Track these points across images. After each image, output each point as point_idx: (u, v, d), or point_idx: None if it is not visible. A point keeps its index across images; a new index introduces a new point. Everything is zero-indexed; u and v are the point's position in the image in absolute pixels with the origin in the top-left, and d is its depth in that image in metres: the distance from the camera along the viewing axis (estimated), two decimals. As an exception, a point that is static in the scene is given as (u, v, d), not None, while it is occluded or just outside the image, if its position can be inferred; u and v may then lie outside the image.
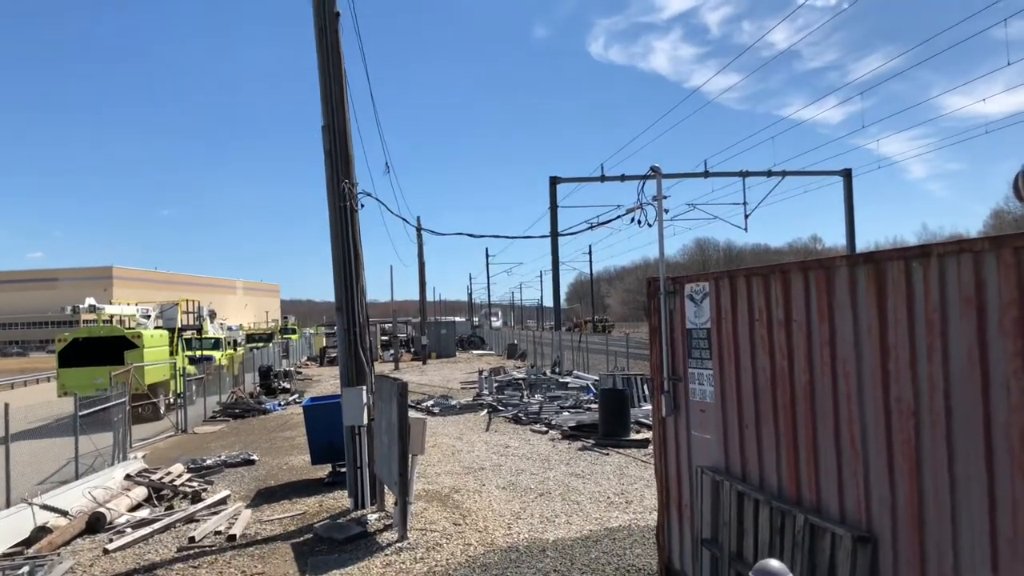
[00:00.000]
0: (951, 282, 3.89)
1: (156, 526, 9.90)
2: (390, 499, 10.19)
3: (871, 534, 4.44)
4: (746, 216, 31.18)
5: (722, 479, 5.88)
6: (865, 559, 4.42)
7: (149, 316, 28.99)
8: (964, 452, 3.81)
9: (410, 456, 9.11)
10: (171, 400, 23.69)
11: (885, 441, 4.34)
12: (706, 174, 31.74)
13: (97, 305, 25.85)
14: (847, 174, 33.75)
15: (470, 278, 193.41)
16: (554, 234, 32.36)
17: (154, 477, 12.39)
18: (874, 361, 4.42)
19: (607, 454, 13.83)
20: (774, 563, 3.59)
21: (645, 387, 18.94)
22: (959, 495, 3.84)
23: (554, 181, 34.75)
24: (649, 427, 14.57)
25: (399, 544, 8.77)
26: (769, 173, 31.53)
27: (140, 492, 11.63)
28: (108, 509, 10.34)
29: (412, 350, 54.78)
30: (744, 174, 31.59)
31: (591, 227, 14.64)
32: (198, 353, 30.39)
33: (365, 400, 10.59)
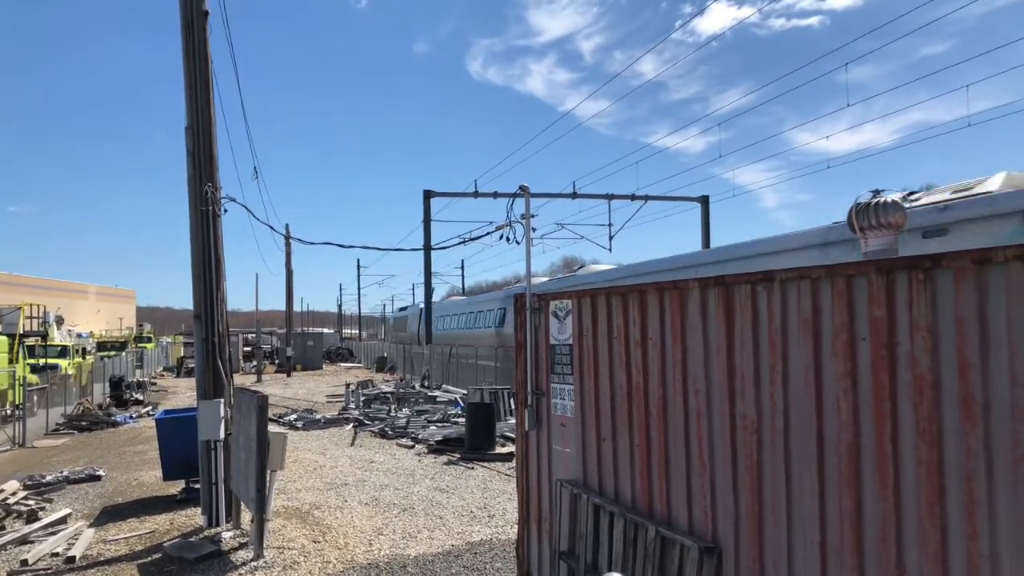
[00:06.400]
0: (792, 306, 4.15)
1: (-18, 549, 9.11)
2: (247, 516, 9.81)
3: (716, 545, 4.65)
4: (611, 237, 32.25)
5: (580, 492, 6.01)
6: (710, 568, 4.63)
7: (-15, 321, 26.76)
8: (799, 467, 4.06)
9: (269, 472, 8.81)
10: (8, 412, 21.90)
11: (730, 456, 4.57)
12: (574, 195, 32.62)
13: (-76, 307, 23.61)
14: (705, 201, 35.50)
15: (340, 289, 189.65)
16: (427, 247, 32.31)
17: (-17, 496, 11.41)
18: (722, 379, 4.65)
19: (472, 468, 13.86)
20: None
21: (512, 401, 19.12)
22: (794, 507, 4.09)
23: (428, 195, 34.75)
24: (514, 441, 14.75)
25: (254, 563, 8.45)
26: (633, 197, 32.76)
27: (-35, 512, 10.68)
28: (-74, 531, 9.44)
29: (276, 362, 53.07)
30: (609, 197, 32.68)
31: (463, 242, 14.71)
32: (42, 361, 28.34)
33: (222, 413, 10.18)
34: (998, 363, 3.12)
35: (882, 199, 5.52)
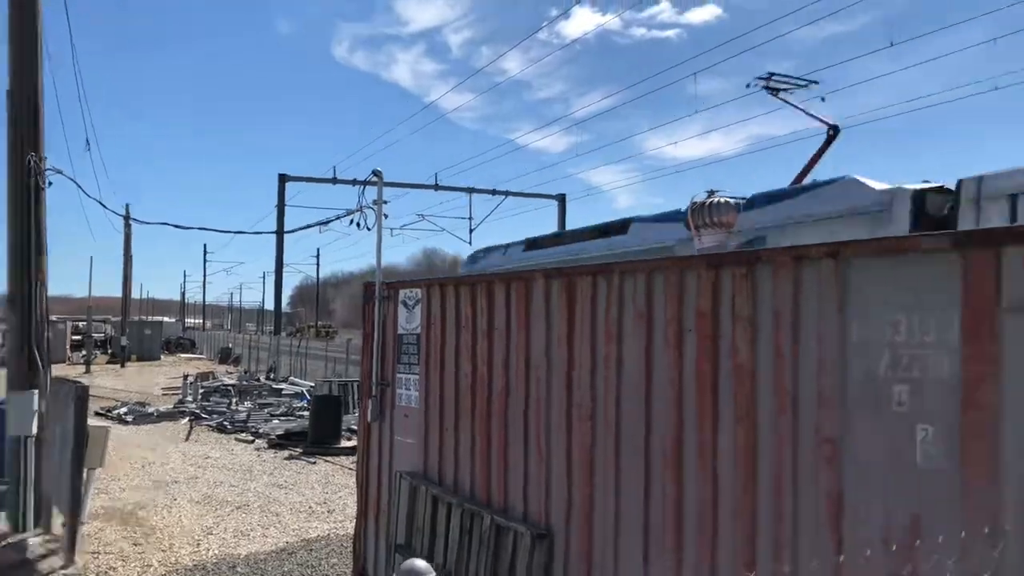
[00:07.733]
0: (628, 298, 4.24)
1: None
2: (59, 520, 9.07)
3: (548, 531, 4.71)
4: (471, 230, 32.33)
5: (419, 484, 5.94)
6: (542, 554, 4.67)
7: None
8: (629, 453, 4.16)
9: (86, 470, 8.17)
10: None
11: (566, 444, 4.63)
12: (436, 187, 32.44)
13: None
14: (562, 199, 36.22)
15: (184, 276, 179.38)
16: (280, 233, 31.30)
17: None
18: (562, 368, 4.70)
19: (314, 463, 13.50)
20: (419, 563, 3.70)
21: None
22: (623, 492, 4.19)
23: (283, 179, 33.63)
24: (361, 435, 14.52)
25: (65, 571, 7.79)
26: (494, 192, 32.98)
27: None
28: None
29: (110, 352, 49.72)
30: (471, 190, 32.76)
31: (309, 226, 14.27)
32: None
33: (36, 407, 9.35)
34: (807, 353, 3.30)
35: (715, 200, 5.78)
